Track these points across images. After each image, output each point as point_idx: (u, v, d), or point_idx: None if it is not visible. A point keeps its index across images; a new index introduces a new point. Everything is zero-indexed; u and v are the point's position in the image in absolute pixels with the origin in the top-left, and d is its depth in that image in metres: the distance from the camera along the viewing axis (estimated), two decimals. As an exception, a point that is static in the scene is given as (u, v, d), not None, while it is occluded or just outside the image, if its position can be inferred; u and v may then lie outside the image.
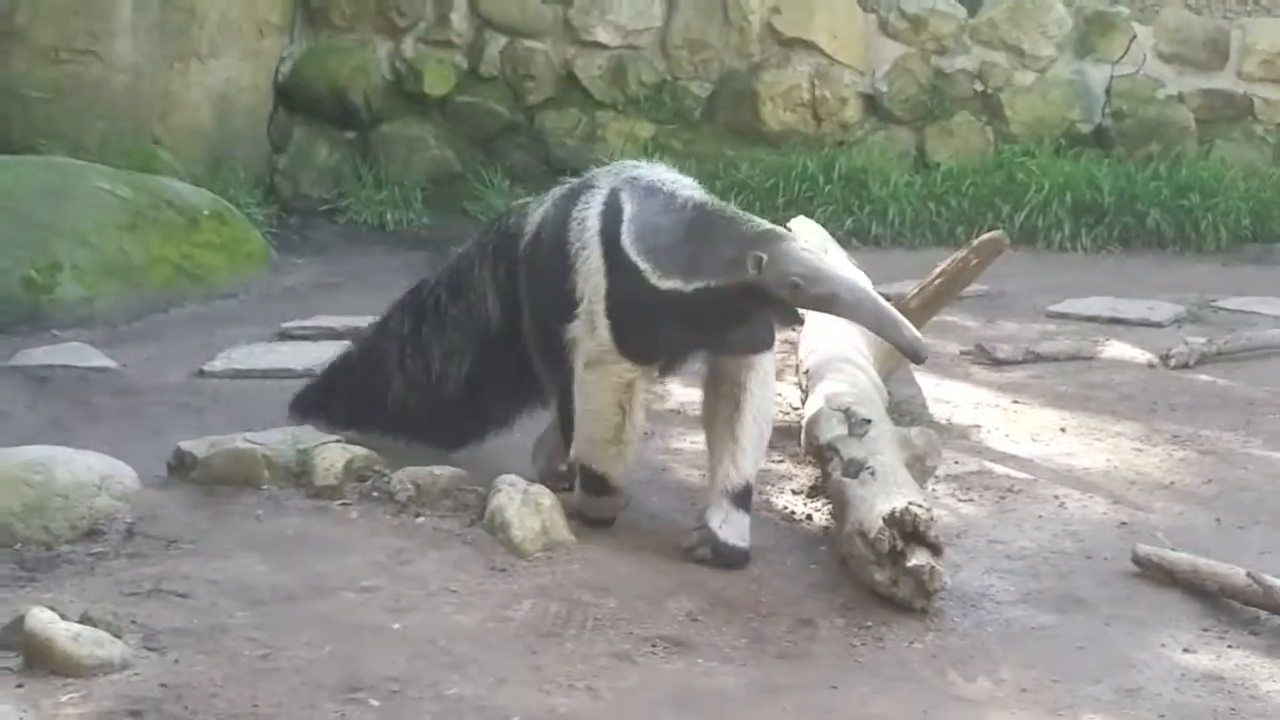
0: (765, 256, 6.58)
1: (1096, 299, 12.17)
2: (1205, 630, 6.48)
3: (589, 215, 7.04)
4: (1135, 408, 9.53)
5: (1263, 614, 6.53)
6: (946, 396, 9.55)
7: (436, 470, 7.50)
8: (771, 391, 7.25)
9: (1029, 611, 6.67)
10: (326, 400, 8.23)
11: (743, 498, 7.04)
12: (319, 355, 10.08)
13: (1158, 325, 11.51)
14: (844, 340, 8.67)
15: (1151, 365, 10.41)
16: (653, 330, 6.85)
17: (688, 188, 7.05)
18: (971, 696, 5.93)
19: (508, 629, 6.29)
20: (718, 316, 6.79)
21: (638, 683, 5.90)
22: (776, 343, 7.30)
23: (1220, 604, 6.67)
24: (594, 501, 7.27)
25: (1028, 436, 8.96)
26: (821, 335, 8.83)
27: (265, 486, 7.51)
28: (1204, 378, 10.18)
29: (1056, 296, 12.27)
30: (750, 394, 7.03)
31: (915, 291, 9.10)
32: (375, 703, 5.62)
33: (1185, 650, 6.30)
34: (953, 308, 10.38)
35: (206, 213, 12.48)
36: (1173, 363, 10.35)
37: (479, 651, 6.05)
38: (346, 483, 7.49)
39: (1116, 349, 10.75)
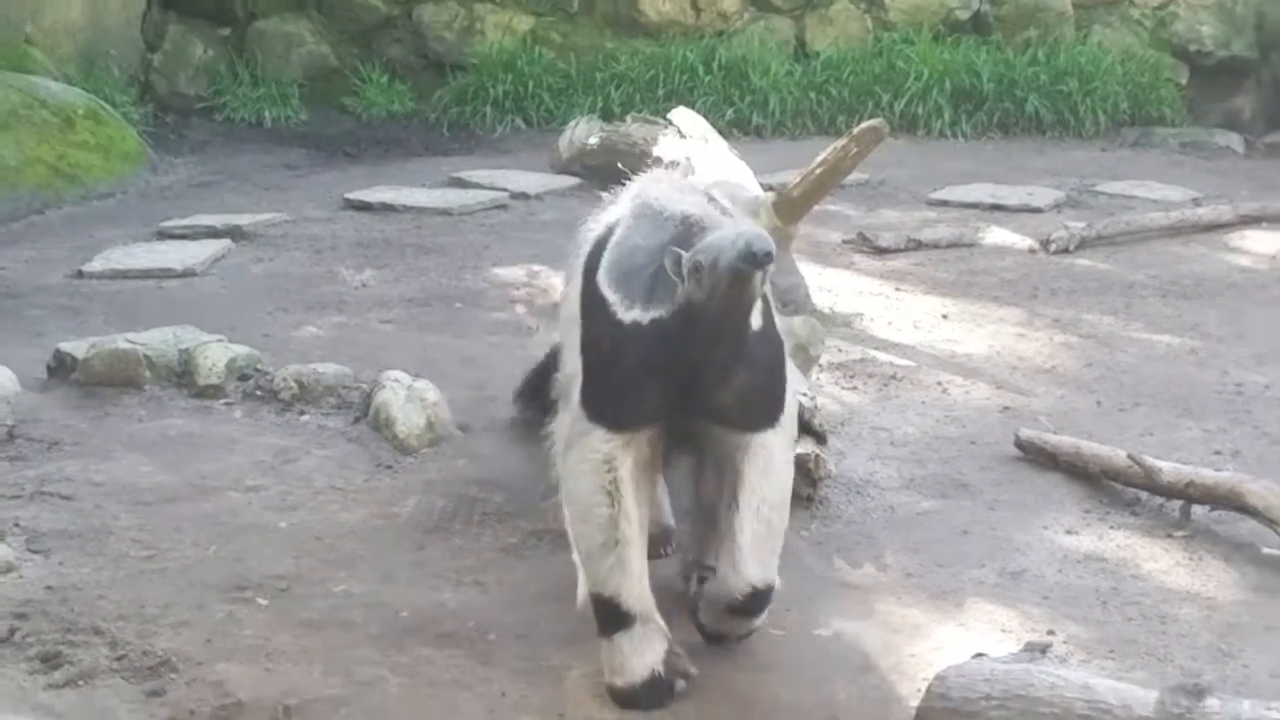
0: (683, 253, 4.91)
1: (977, 186, 12.27)
2: (1087, 512, 6.58)
3: (584, 241, 5.60)
4: (1016, 293, 9.63)
5: (1143, 495, 6.63)
6: (829, 285, 9.59)
7: (320, 368, 7.48)
8: (779, 486, 5.33)
9: (914, 497, 6.74)
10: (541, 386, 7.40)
11: None
12: (198, 254, 10.02)
13: (1038, 211, 11.61)
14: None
15: (1032, 251, 10.50)
16: (622, 382, 5.09)
17: (692, 198, 5.27)
18: (857, 582, 5.99)
19: (394, 525, 6.29)
20: (685, 361, 5.01)
21: (525, 576, 5.92)
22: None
23: (1102, 486, 6.76)
24: (612, 647, 5.12)
25: (910, 324, 9.02)
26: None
27: (147, 387, 7.46)
28: (1084, 262, 10.30)
29: (937, 184, 12.34)
30: (748, 486, 5.23)
31: (797, 181, 9.08)
32: (263, 601, 5.62)
33: (1068, 532, 6.39)
34: (834, 197, 10.40)
35: (81, 112, 12.30)
36: (1053, 248, 10.45)
37: (366, 548, 6.06)
38: (229, 382, 7.45)
39: (997, 235, 10.83)
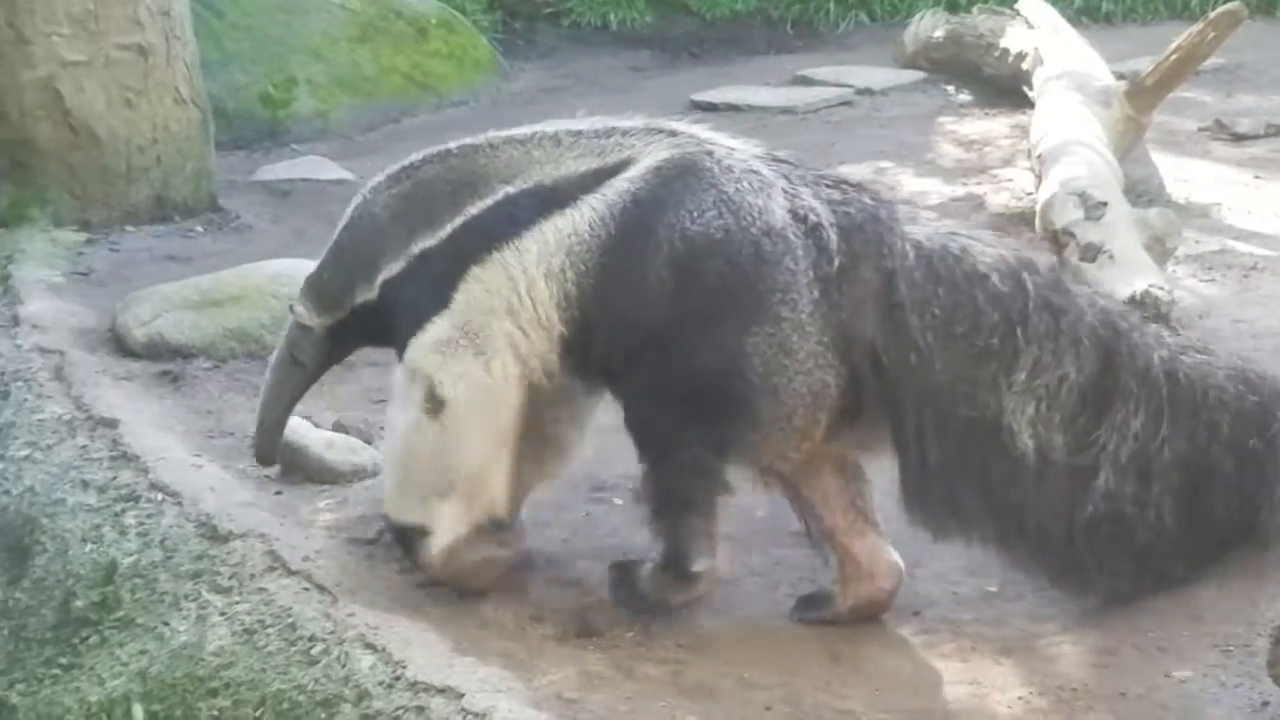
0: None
1: (1343, 65, 11.81)
2: None
3: None
4: (1384, 179, 9.26)
5: None
6: (1185, 175, 9.34)
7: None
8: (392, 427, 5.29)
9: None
10: None
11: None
12: (550, 159, 10.15)
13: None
14: (1077, 122, 8.51)
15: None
16: None
17: None
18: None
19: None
20: None
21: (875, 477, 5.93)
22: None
23: None
24: None
25: (1271, 213, 8.75)
26: (1053, 118, 8.68)
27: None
28: None
29: (1297, 66, 11.91)
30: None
31: (1150, 69, 8.88)
32: (618, 501, 5.73)
33: None
34: (1189, 83, 10.10)
35: (434, 22, 12.59)
36: None
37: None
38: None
39: (1364, 117, 10.42)
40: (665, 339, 4.84)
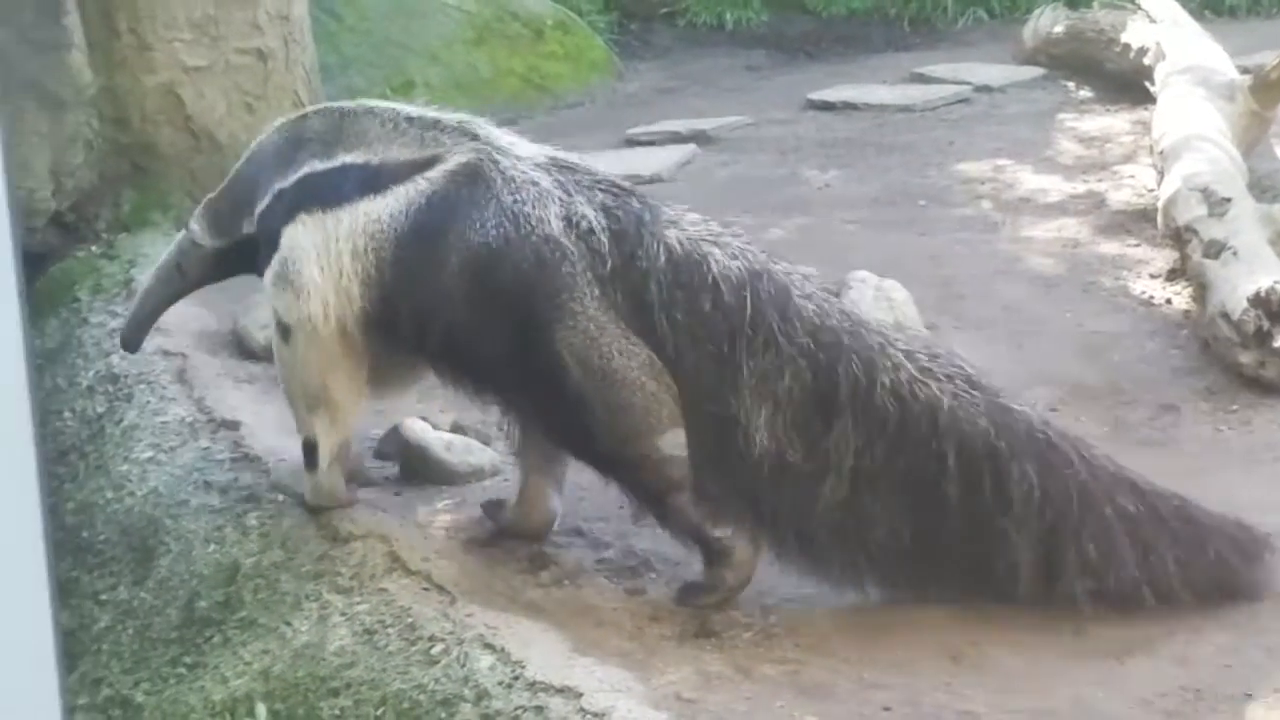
0: None
1: None
2: None
3: None
4: None
5: None
6: (1311, 170, 9.20)
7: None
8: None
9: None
10: None
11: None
12: (665, 159, 10.18)
13: None
14: (1200, 117, 8.41)
15: None
16: None
17: None
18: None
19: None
20: None
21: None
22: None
23: None
24: None
25: (1400, 207, 8.60)
26: (1175, 113, 8.58)
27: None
28: None
29: None
30: None
31: (1275, 62, 8.76)
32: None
33: None
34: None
35: (550, 23, 12.62)
36: None
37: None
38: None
39: None
40: (483, 341, 5.22)
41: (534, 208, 5.16)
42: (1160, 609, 4.98)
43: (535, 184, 5.22)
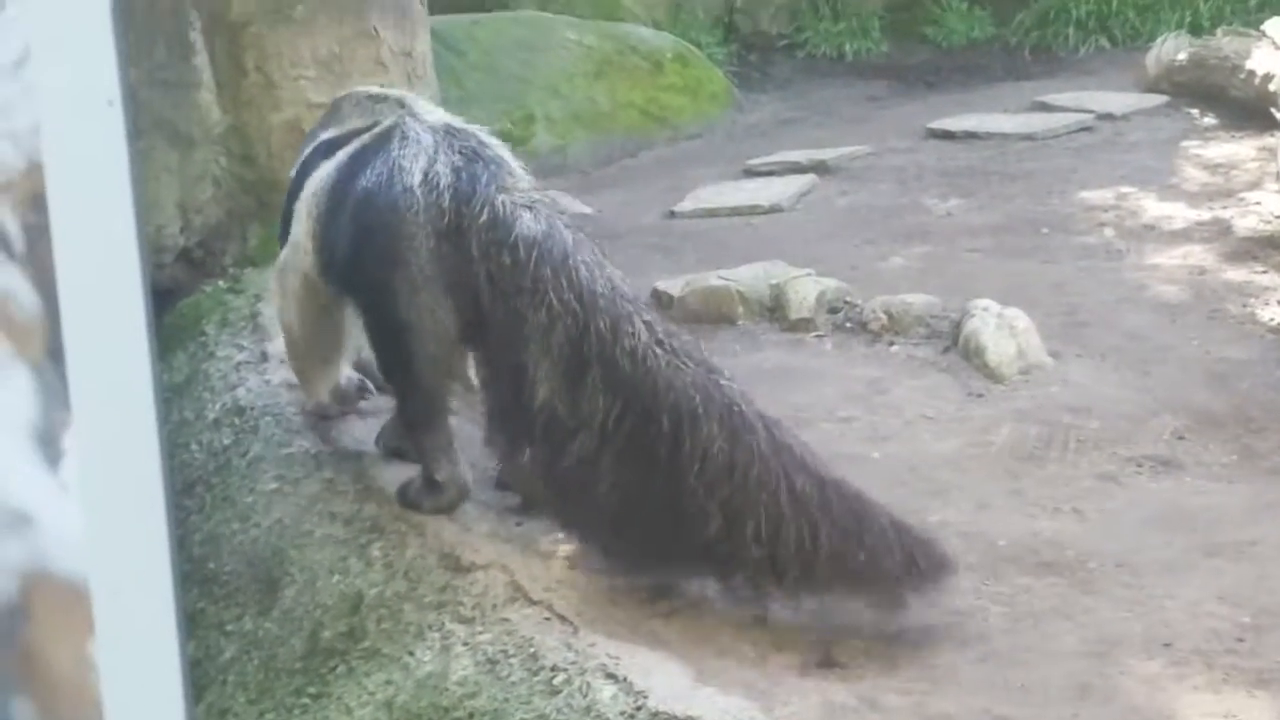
0: None
1: None
2: None
3: None
4: None
5: None
6: None
7: (908, 298, 7.51)
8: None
9: None
10: None
11: None
12: (784, 190, 10.19)
13: None
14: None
15: None
16: None
17: None
18: None
19: (987, 454, 6.27)
20: None
21: (1124, 503, 5.83)
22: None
23: None
24: None
25: None
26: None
27: (740, 322, 7.66)
28: None
29: None
30: None
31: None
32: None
33: None
34: None
35: (669, 56, 12.67)
36: None
37: (960, 478, 6.07)
38: (819, 314, 7.56)
39: None
40: (356, 279, 5.80)
41: (409, 162, 5.70)
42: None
43: (419, 142, 5.75)
